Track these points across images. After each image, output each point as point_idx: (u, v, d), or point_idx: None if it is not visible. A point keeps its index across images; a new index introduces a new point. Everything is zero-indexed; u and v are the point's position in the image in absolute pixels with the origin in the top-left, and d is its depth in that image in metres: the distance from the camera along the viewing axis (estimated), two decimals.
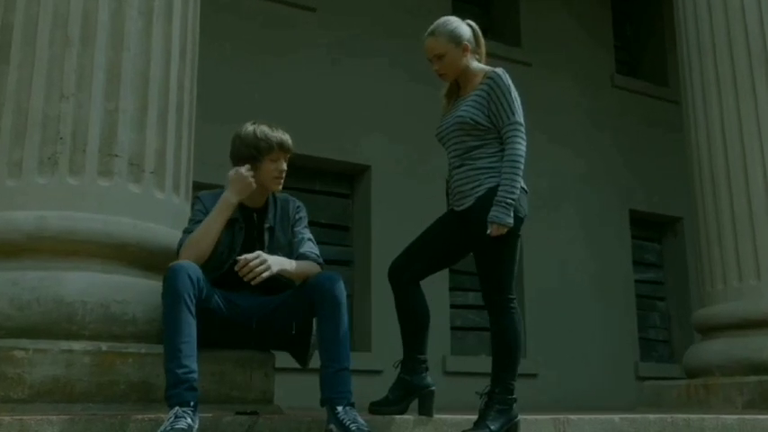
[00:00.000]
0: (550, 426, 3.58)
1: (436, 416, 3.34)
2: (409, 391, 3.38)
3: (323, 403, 2.97)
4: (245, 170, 3.21)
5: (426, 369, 3.42)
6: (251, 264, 3.08)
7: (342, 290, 3.10)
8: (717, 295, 5.53)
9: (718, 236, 5.54)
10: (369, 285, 7.70)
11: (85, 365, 2.95)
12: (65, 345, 2.95)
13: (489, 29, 9.48)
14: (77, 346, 2.97)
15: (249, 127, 3.31)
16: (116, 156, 3.32)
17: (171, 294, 2.84)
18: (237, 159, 3.29)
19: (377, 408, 3.35)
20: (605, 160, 9.40)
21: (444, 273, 8.29)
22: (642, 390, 6.05)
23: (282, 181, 3.33)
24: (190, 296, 2.86)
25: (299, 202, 3.45)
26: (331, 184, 8.07)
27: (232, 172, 3.22)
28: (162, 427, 2.63)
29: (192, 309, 2.86)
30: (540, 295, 8.62)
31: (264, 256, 3.12)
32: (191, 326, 2.84)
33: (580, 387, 8.53)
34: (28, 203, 3.18)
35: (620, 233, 9.36)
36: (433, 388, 3.40)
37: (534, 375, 8.43)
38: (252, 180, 3.21)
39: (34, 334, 2.97)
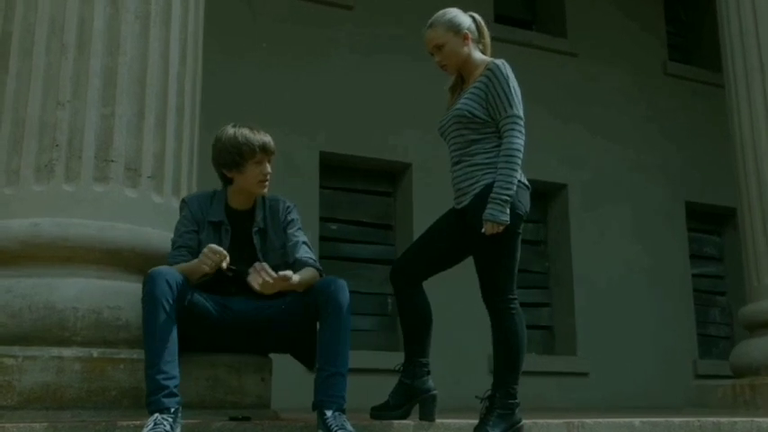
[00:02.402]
0: (563, 429, 3.43)
1: (438, 420, 3.23)
2: (410, 396, 3.28)
3: (314, 407, 2.91)
4: (220, 255, 2.96)
5: (428, 373, 3.32)
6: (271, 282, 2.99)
7: (345, 295, 3.02)
8: (763, 290, 5.25)
9: (763, 227, 5.27)
10: None
11: (76, 372, 2.95)
12: (55, 351, 2.96)
13: (534, 20, 9.29)
14: (68, 352, 2.97)
15: (230, 130, 3.23)
16: (112, 161, 3.32)
17: (149, 300, 2.82)
18: (219, 165, 3.23)
19: (377, 413, 3.27)
20: (658, 152, 9.10)
21: None
22: (689, 390, 5.81)
23: (268, 184, 3.25)
24: (168, 301, 2.82)
25: (289, 203, 3.37)
26: (372, 183, 8.02)
27: (206, 251, 2.96)
28: None
29: (172, 314, 2.83)
30: (590, 292, 8.40)
31: (294, 277, 3.02)
32: (170, 331, 2.81)
33: (634, 387, 8.27)
34: (24, 211, 3.20)
35: (675, 226, 9.04)
36: (435, 392, 3.29)
37: (586, 374, 8.22)
38: (222, 262, 2.96)
39: (27, 341, 2.99)
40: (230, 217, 3.26)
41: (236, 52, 7.33)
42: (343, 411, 2.88)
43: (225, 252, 2.97)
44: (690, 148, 9.23)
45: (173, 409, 2.70)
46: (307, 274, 3.13)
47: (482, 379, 7.65)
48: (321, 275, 3.19)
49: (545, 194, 8.75)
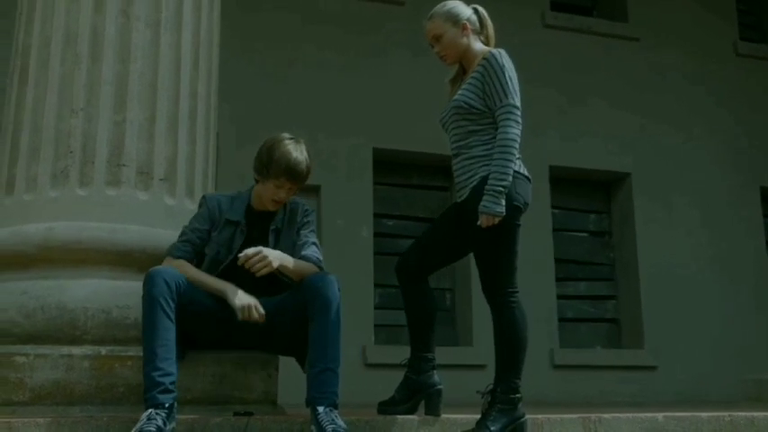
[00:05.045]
0: (578, 425, 3.35)
1: (444, 416, 3.22)
2: (415, 391, 3.28)
3: (307, 403, 2.94)
4: (257, 309, 3.07)
5: (433, 368, 3.30)
6: (251, 260, 3.05)
7: (335, 291, 3.04)
8: None
9: None
10: (469, 279, 7.57)
11: (85, 369, 3.07)
12: (65, 350, 3.09)
13: (594, 6, 9.06)
14: (77, 350, 3.10)
15: (278, 138, 3.25)
16: (124, 165, 3.43)
17: (147, 299, 2.90)
18: (254, 162, 3.30)
19: (384, 408, 3.28)
20: (728, 136, 8.77)
21: (550, 262, 8.02)
22: (745, 384, 5.57)
23: (280, 205, 3.28)
24: (166, 300, 2.90)
25: (308, 207, 3.39)
26: (428, 178, 8.01)
27: (245, 303, 3.06)
28: (134, 429, 2.69)
29: (170, 313, 2.90)
30: (657, 283, 8.17)
31: (266, 251, 3.07)
32: (168, 330, 2.88)
33: (706, 381, 8.00)
34: (41, 216, 3.35)
35: (749, 213, 8.68)
36: (440, 387, 3.27)
37: (654, 368, 8.01)
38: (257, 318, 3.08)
39: (40, 340, 3.13)
40: (250, 216, 3.32)
41: (287, 55, 7.45)
42: (335, 407, 2.90)
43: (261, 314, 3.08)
44: (763, 131, 8.83)
45: (167, 405, 2.78)
46: (303, 263, 3.17)
47: (544, 374, 7.58)
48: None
49: (608, 184, 8.55)
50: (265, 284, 3.23)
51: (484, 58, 3.22)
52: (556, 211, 8.28)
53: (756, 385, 5.28)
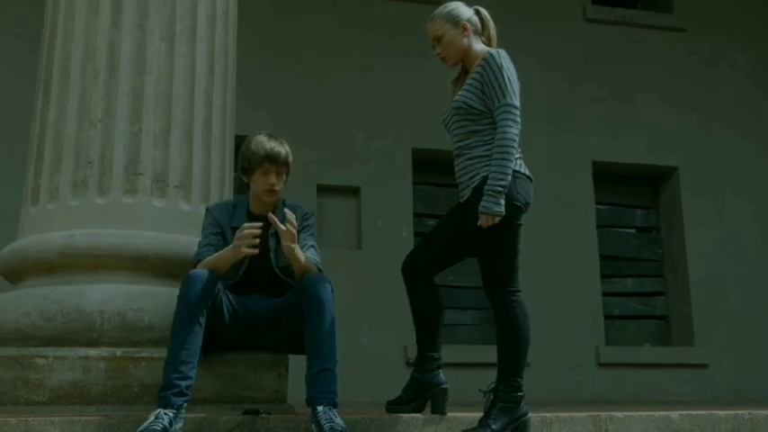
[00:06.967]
0: (589, 424, 3.34)
1: (449, 414, 3.25)
2: (421, 390, 3.32)
3: (307, 403, 3.01)
4: (254, 229, 3.09)
5: (439, 367, 3.34)
6: (284, 228, 3.10)
7: (327, 292, 3.11)
8: None
9: None
10: None
11: (101, 370, 3.21)
12: (82, 352, 3.22)
13: None
14: (93, 352, 3.23)
15: (253, 137, 3.38)
16: (140, 174, 3.56)
17: (183, 301, 3.02)
18: (239, 167, 3.40)
19: (391, 407, 3.33)
20: None
21: (594, 259, 7.92)
22: None
23: (276, 194, 3.35)
24: (200, 305, 3.01)
25: (307, 210, 3.47)
26: None
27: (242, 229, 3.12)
28: (141, 427, 2.80)
29: (202, 319, 3.01)
30: (707, 279, 8.01)
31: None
32: (196, 334, 2.99)
33: (759, 378, 7.79)
34: (62, 224, 3.50)
35: None
36: (446, 386, 3.30)
37: (705, 366, 7.85)
38: (254, 248, 3.10)
39: (60, 342, 3.28)
40: (251, 221, 3.41)
41: (324, 58, 7.56)
42: (334, 405, 2.96)
43: (255, 229, 3.08)
44: None
45: (176, 406, 2.88)
46: (310, 262, 3.25)
47: (589, 373, 7.50)
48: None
49: (654, 179, 8.41)
50: (272, 286, 3.37)
51: (483, 59, 3.24)
52: (600, 206, 8.18)
53: None
